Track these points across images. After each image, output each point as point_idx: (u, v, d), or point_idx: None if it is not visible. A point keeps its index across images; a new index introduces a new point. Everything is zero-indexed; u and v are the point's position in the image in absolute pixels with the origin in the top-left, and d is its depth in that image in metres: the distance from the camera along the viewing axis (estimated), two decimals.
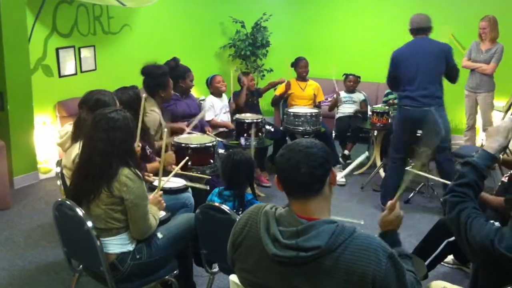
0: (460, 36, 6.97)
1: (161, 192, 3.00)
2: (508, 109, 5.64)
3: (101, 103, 3.13)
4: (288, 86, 5.99)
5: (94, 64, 6.07)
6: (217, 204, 2.73)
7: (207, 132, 4.85)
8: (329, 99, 7.07)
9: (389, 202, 2.02)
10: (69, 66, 5.76)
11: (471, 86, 6.07)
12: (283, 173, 1.67)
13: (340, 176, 5.67)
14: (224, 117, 5.55)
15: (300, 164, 1.63)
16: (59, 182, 3.43)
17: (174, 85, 4.63)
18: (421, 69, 4.48)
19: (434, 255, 3.12)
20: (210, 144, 4.02)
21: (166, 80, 4.27)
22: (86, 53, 5.95)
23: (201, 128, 4.88)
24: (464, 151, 5.25)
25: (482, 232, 1.92)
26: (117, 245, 2.62)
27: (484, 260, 1.95)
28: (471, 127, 6.27)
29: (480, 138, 6.33)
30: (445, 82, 4.89)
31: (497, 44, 5.87)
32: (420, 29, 4.60)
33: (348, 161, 5.94)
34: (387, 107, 5.96)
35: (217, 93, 5.55)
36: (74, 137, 3.16)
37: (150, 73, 4.24)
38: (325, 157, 1.67)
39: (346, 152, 6.05)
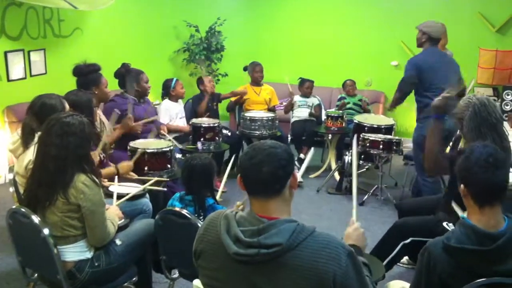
0: (410, 43, 7.17)
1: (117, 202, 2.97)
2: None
3: (47, 107, 3.06)
4: (243, 94, 6.04)
5: (44, 68, 5.91)
6: (177, 209, 2.70)
7: (162, 132, 4.79)
8: (284, 103, 7.13)
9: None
10: (18, 70, 5.58)
11: None
12: (246, 171, 1.69)
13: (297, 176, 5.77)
14: (180, 122, 5.52)
15: (263, 163, 1.65)
16: (11, 189, 3.31)
17: (130, 90, 4.62)
18: (447, 80, 4.36)
19: (390, 256, 3.19)
20: (167, 149, 3.99)
21: (97, 76, 4.13)
22: (35, 56, 5.78)
23: (157, 130, 4.81)
24: None
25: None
26: (74, 252, 2.56)
27: None
28: None
29: None
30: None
31: (447, 51, 6.07)
32: (437, 40, 4.58)
33: (303, 164, 6.02)
34: (340, 111, 6.07)
35: (177, 98, 5.52)
36: (24, 143, 3.07)
37: (80, 71, 4.12)
38: (288, 159, 1.69)
39: (301, 156, 6.12)
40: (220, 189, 3.39)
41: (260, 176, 1.65)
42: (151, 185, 3.51)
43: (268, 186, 1.67)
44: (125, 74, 4.66)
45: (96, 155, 3.42)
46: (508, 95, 6.15)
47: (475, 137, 2.75)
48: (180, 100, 5.63)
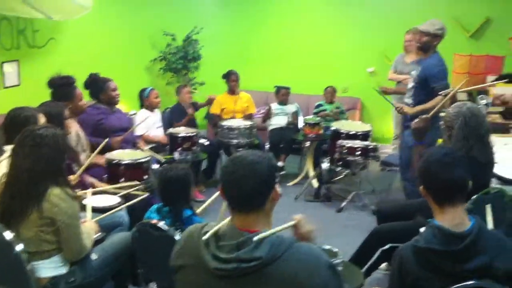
0: (386, 49, 7.26)
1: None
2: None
3: (19, 120, 3.03)
4: (210, 101, 6.11)
5: (17, 79, 5.81)
6: (154, 221, 2.68)
7: (139, 146, 4.76)
8: (262, 111, 7.14)
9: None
10: None
11: (398, 96, 6.31)
12: (226, 185, 1.68)
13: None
14: (157, 132, 5.48)
15: (243, 179, 1.64)
16: None
17: (98, 99, 4.61)
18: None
19: (369, 263, 3.20)
20: (144, 160, 3.95)
21: (71, 89, 4.11)
22: (8, 68, 5.68)
23: (132, 143, 4.77)
24: (392, 159, 5.46)
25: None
26: (49, 268, 2.52)
27: None
28: (398, 136, 6.51)
29: None
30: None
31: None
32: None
33: (282, 172, 6.03)
34: (318, 118, 6.09)
35: (152, 107, 5.48)
36: None
37: (54, 84, 4.10)
38: (270, 174, 1.68)
39: (280, 163, 6.12)
40: (206, 204, 3.27)
41: (241, 191, 1.65)
42: (129, 194, 3.47)
43: (249, 202, 1.66)
44: (90, 83, 4.65)
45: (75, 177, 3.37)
46: (482, 99, 6.23)
47: (461, 147, 2.77)
48: (156, 110, 5.60)
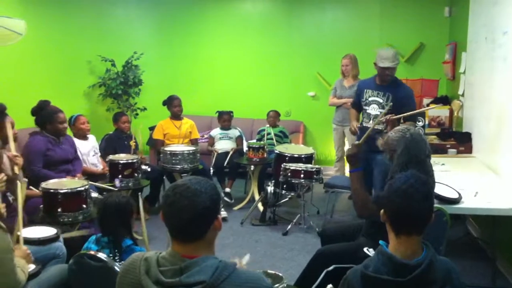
0: (325, 74, 7.42)
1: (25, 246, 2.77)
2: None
3: None
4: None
5: None
6: (92, 252, 2.56)
7: (77, 175, 4.57)
8: (205, 135, 7.10)
9: None
10: None
11: (338, 120, 6.45)
12: (167, 214, 1.63)
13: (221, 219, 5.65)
14: (94, 159, 5.28)
15: (183, 211, 1.59)
16: None
17: (44, 129, 4.46)
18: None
19: (314, 285, 3.17)
20: (82, 188, 3.80)
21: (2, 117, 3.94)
22: None
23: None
24: (335, 181, 5.52)
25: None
26: None
27: None
28: (340, 158, 6.62)
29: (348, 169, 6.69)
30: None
31: (359, 81, 6.31)
32: None
33: (231, 201, 5.98)
34: (262, 142, 6.11)
35: (81, 135, 5.26)
36: None
37: None
38: (212, 206, 1.63)
39: (227, 189, 6.06)
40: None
41: (181, 222, 1.60)
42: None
43: (189, 232, 1.62)
44: (37, 111, 4.50)
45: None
46: (418, 121, 6.44)
47: (400, 171, 2.79)
48: (91, 137, 5.40)
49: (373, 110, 4.61)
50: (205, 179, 1.69)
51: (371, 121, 4.60)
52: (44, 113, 4.48)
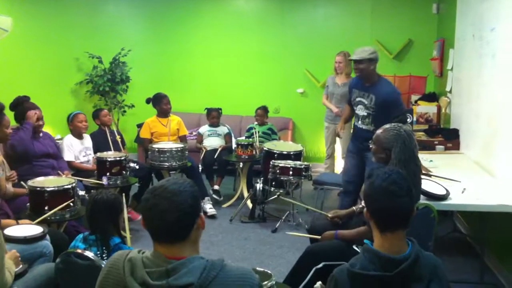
0: (314, 70, 7.42)
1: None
2: None
3: None
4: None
5: None
6: (79, 250, 2.53)
7: (64, 173, 4.53)
8: (194, 133, 7.06)
9: None
10: None
11: (330, 118, 6.44)
12: (147, 219, 1.60)
13: (209, 207, 5.60)
14: (84, 160, 5.22)
15: (164, 213, 1.56)
16: None
17: (21, 125, 4.41)
18: None
19: (303, 283, 3.17)
20: (69, 186, 3.76)
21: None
22: None
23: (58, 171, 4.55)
24: (324, 178, 5.52)
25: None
26: None
27: None
28: (331, 156, 6.63)
29: (339, 166, 6.70)
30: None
31: (351, 79, 6.31)
32: None
33: (220, 198, 5.95)
34: (250, 139, 6.09)
35: (77, 133, 5.22)
36: None
37: None
38: (193, 204, 1.61)
39: (216, 187, 6.03)
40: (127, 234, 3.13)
41: (163, 225, 1.57)
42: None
43: (172, 234, 1.59)
44: (17, 107, 4.46)
45: None
46: (408, 118, 6.47)
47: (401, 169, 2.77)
48: (86, 137, 5.34)
49: (360, 110, 4.55)
50: (183, 178, 1.67)
51: (359, 121, 4.58)
52: (19, 110, 4.45)
